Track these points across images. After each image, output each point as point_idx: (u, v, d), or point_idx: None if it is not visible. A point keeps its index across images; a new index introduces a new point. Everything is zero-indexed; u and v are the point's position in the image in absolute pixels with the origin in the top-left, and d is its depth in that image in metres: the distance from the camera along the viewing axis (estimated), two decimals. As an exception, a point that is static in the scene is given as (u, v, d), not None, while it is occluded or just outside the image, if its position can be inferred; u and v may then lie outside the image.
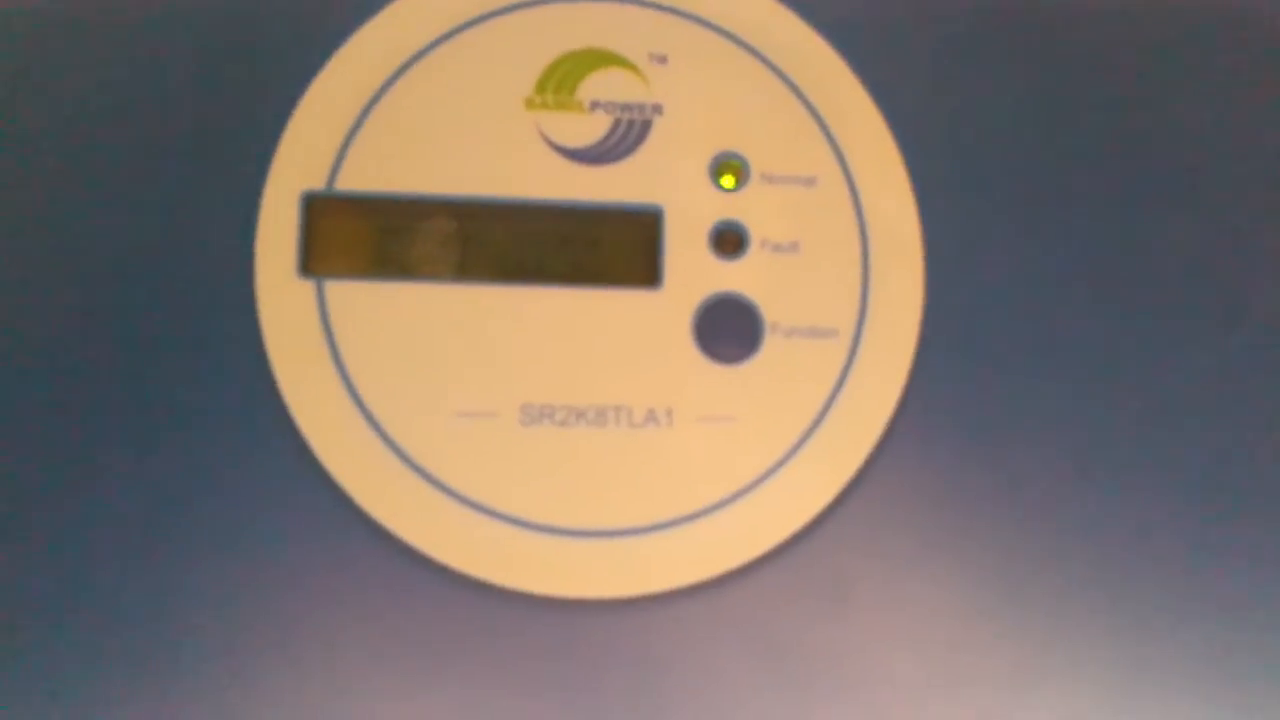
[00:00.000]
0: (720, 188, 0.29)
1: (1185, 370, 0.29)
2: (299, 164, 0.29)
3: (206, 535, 0.27)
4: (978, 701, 0.27)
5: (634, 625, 0.27)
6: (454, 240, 0.29)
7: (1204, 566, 0.28)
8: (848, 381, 0.29)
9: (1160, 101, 0.31)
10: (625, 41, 0.30)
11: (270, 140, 0.29)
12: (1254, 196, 0.30)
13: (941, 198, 0.30)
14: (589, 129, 0.29)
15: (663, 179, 0.29)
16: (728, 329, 0.29)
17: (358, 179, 0.29)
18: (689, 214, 0.29)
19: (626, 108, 0.30)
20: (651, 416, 0.28)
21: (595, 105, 0.29)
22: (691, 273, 0.29)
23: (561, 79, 0.30)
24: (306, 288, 0.28)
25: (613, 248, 0.29)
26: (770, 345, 0.29)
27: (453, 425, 0.28)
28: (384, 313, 0.28)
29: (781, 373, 0.28)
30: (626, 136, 0.29)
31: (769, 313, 0.29)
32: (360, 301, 0.28)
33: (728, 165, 0.29)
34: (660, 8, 0.30)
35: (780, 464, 0.28)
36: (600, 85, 0.30)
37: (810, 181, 0.29)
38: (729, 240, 0.29)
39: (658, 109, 0.30)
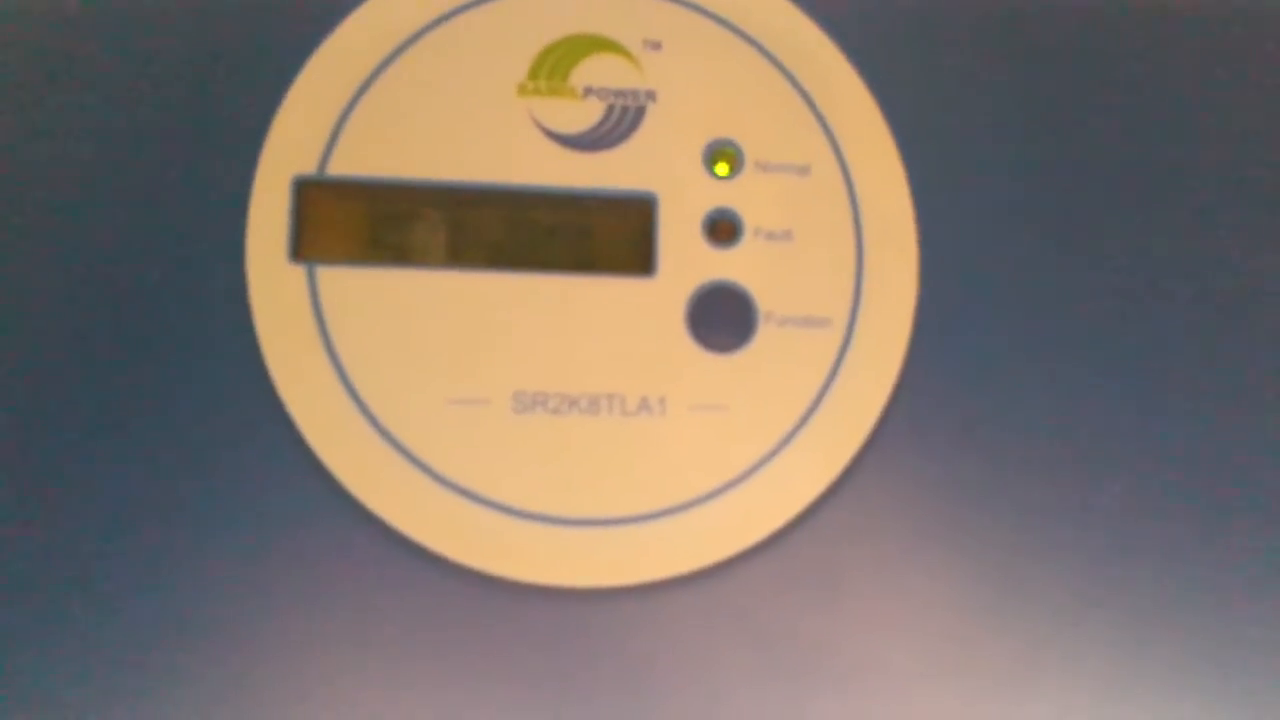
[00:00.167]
0: (714, 175, 0.29)
1: (1181, 361, 0.29)
2: (290, 149, 0.28)
3: (197, 521, 0.27)
4: (969, 692, 0.27)
5: (626, 614, 0.27)
6: (446, 226, 0.29)
7: (1198, 555, 0.28)
8: (841, 371, 0.28)
9: (1156, 93, 0.31)
10: (619, 27, 0.30)
11: (262, 125, 0.28)
12: (1253, 193, 0.30)
13: (936, 187, 0.30)
14: (582, 115, 0.29)
15: (656, 166, 0.29)
16: (721, 317, 0.29)
17: (349, 164, 0.28)
18: (683, 201, 0.29)
19: (620, 94, 0.29)
20: (644, 405, 0.28)
21: (589, 91, 0.29)
22: (685, 261, 0.29)
23: (555, 65, 0.29)
24: (298, 273, 0.28)
25: (606, 235, 0.29)
26: (764, 334, 0.29)
27: (445, 412, 0.27)
28: (376, 298, 0.28)
29: (775, 362, 0.28)
30: (620, 123, 0.29)
31: (762, 302, 0.29)
32: (352, 287, 0.28)
33: (722, 153, 0.29)
34: (655, -7, 0.30)
35: (773, 453, 0.28)
36: (594, 71, 0.29)
37: (805, 170, 0.29)
38: (723, 228, 0.29)
39: (651, 95, 0.29)
